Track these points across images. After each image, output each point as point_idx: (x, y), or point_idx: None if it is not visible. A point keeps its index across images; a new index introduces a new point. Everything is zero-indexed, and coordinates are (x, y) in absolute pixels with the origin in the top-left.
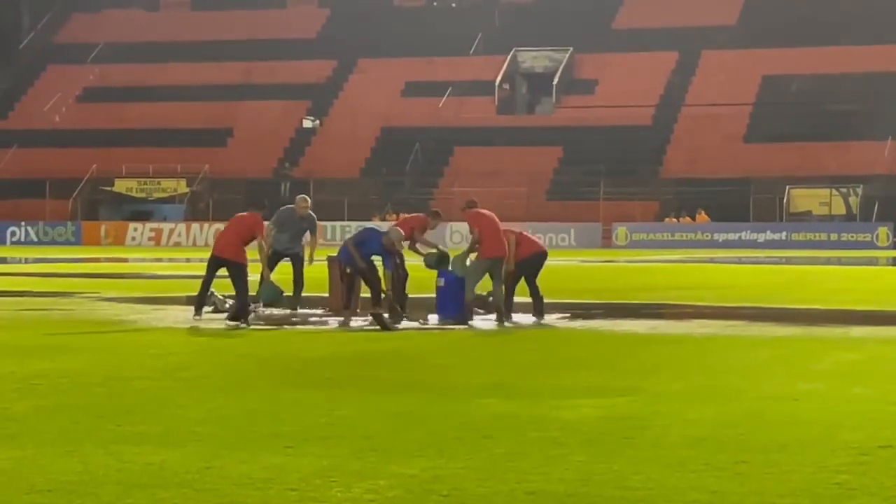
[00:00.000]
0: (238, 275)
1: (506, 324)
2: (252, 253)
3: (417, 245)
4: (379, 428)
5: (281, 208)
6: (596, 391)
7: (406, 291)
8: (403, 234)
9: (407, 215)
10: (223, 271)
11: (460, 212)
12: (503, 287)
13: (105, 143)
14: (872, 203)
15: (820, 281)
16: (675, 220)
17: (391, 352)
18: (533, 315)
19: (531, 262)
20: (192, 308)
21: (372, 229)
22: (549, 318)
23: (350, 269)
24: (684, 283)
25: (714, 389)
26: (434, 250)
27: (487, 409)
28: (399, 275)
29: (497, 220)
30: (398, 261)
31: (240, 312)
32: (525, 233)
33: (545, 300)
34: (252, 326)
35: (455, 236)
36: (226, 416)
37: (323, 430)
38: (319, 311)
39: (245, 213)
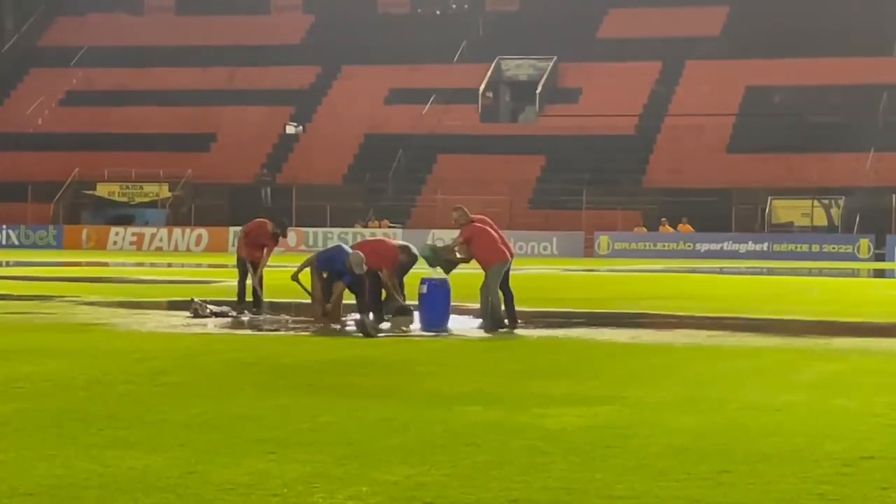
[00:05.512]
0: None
1: (491, 330)
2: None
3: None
4: (362, 434)
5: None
6: (578, 400)
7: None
8: (365, 258)
9: (380, 244)
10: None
11: (453, 221)
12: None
13: (87, 147)
14: (854, 215)
15: (801, 292)
16: (643, 229)
17: (374, 358)
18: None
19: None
20: (187, 313)
21: (340, 247)
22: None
23: (327, 273)
24: (666, 292)
25: (696, 399)
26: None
27: (470, 416)
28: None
29: (491, 228)
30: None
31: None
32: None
33: (528, 309)
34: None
35: (437, 244)
36: (209, 421)
37: (306, 436)
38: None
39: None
